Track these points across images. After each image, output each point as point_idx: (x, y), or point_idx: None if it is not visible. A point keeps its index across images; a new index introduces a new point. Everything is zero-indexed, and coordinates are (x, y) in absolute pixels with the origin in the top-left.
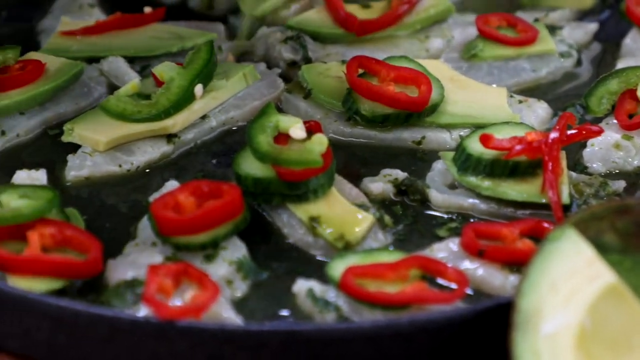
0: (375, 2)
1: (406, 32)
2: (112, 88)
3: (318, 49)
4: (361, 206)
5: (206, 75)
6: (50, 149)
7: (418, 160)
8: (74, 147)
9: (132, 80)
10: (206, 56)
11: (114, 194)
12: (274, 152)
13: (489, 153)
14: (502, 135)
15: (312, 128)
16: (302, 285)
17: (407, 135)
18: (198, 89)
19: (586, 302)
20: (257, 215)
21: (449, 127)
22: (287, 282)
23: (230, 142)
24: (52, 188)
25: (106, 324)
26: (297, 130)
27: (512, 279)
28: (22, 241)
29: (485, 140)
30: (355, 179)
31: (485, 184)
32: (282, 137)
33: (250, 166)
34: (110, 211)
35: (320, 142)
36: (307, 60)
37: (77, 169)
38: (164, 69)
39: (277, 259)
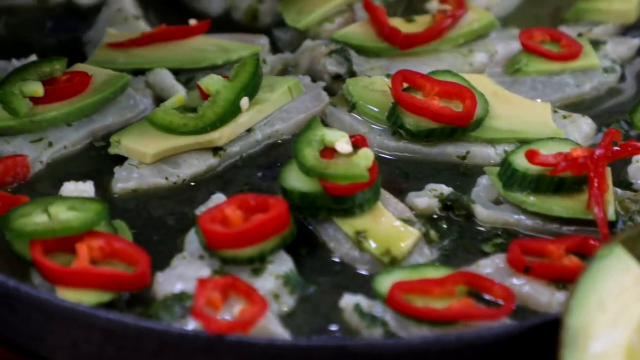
0: (419, 16)
1: (449, 46)
2: (158, 100)
3: (362, 62)
4: (407, 221)
5: (252, 88)
6: (96, 161)
7: (461, 174)
8: (121, 159)
9: (178, 93)
10: (252, 69)
11: (160, 206)
12: (321, 166)
13: (534, 169)
14: (547, 150)
15: (357, 142)
16: (349, 300)
17: (451, 150)
18: (244, 102)
19: (635, 321)
20: (303, 229)
21: (493, 141)
22: (333, 297)
23: (275, 155)
24: (100, 200)
25: (155, 337)
26: (343, 144)
27: (559, 295)
28: (71, 253)
29: (531, 156)
30: (400, 193)
31: (531, 200)
32: (328, 151)
33: (297, 180)
34: (157, 223)
35: (366, 157)
36: (352, 73)
37: (124, 181)
38: (210, 82)
39: (323, 273)
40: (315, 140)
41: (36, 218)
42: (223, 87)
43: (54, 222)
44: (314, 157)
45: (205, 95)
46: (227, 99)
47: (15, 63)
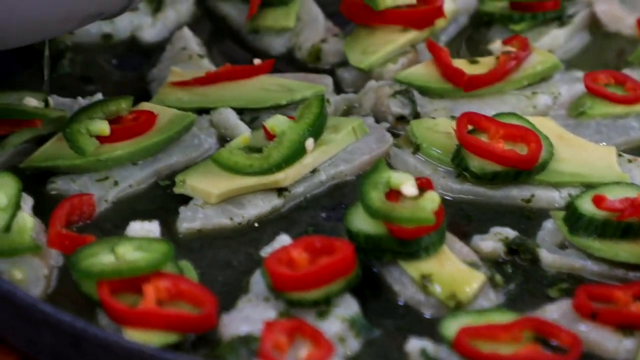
0: (482, 58)
1: (513, 88)
2: (222, 139)
3: (426, 103)
4: (472, 264)
5: (317, 129)
6: (161, 200)
7: (525, 218)
8: (185, 199)
9: (243, 133)
10: (317, 110)
11: (225, 247)
12: (386, 209)
13: (601, 214)
14: (613, 195)
15: (423, 185)
16: (415, 345)
17: (515, 193)
18: (309, 143)
19: None
20: (368, 272)
21: (557, 185)
22: (398, 340)
23: (339, 196)
24: (167, 241)
25: None
26: (409, 187)
27: (626, 342)
28: (137, 293)
29: (599, 201)
30: (464, 237)
31: (597, 245)
32: (394, 194)
33: (362, 222)
34: (222, 264)
35: (432, 200)
36: (416, 114)
37: (189, 221)
38: (275, 123)
39: (388, 317)
40: (381, 182)
41: (103, 258)
42: (288, 127)
43: (121, 262)
44: (380, 199)
45: (270, 136)
46: (293, 139)
47: (81, 101)
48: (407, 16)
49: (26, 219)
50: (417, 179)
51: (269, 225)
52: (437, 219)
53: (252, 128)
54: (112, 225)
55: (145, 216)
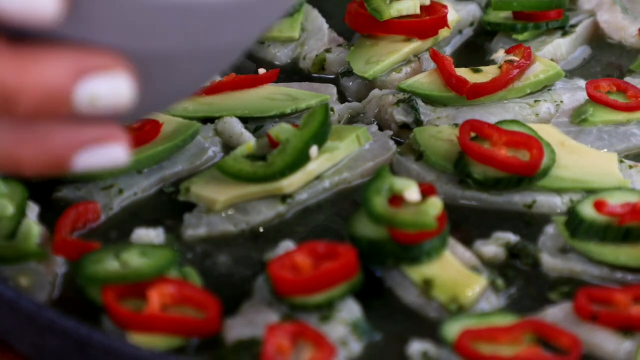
0: (485, 67)
1: (516, 96)
2: (227, 148)
3: (429, 111)
4: (474, 269)
5: (321, 136)
6: (166, 207)
7: (527, 223)
8: (190, 206)
9: (247, 141)
10: (321, 118)
11: (229, 253)
12: (389, 214)
13: (601, 219)
14: (614, 200)
15: (426, 191)
16: (416, 347)
17: (517, 199)
18: (313, 150)
19: None
20: (370, 276)
21: (559, 191)
22: (400, 344)
23: (343, 203)
24: (171, 247)
25: None
26: (412, 192)
27: (626, 344)
28: (141, 299)
29: (599, 206)
30: (465, 241)
31: (598, 249)
32: (396, 199)
33: (365, 228)
34: (226, 270)
35: (435, 205)
36: (419, 122)
37: (193, 227)
38: (279, 131)
39: (390, 320)
40: (384, 188)
41: (108, 264)
42: (293, 135)
43: (125, 268)
44: (383, 205)
45: (274, 144)
46: (297, 147)
47: None
48: (411, 26)
49: (32, 227)
50: (420, 185)
51: (273, 231)
52: (439, 224)
53: (257, 137)
54: (116, 232)
55: (150, 223)
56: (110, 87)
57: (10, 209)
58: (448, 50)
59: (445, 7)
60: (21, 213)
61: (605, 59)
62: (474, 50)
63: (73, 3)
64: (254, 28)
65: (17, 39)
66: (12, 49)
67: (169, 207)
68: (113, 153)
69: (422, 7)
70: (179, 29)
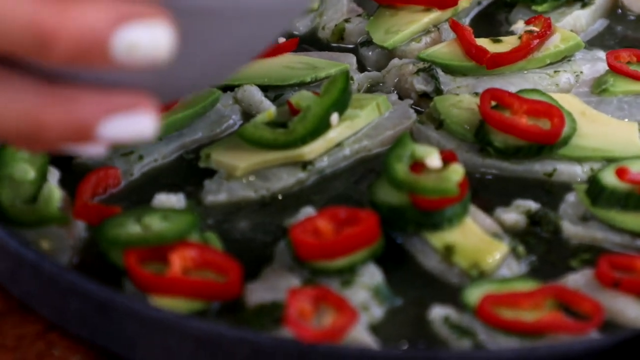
0: (505, 37)
1: (535, 66)
2: (246, 116)
3: (449, 81)
4: (495, 235)
5: (342, 104)
6: (186, 173)
7: (547, 192)
8: (210, 172)
9: (268, 109)
10: (342, 85)
11: (249, 219)
12: (411, 181)
13: (623, 186)
14: (636, 169)
15: (447, 158)
16: (438, 312)
17: (538, 168)
18: (334, 117)
19: None
20: (391, 242)
21: (580, 160)
22: (421, 309)
23: (363, 169)
24: (192, 212)
25: (248, 346)
26: (433, 159)
27: None
28: (163, 263)
29: (621, 173)
30: (486, 209)
31: (619, 217)
32: (418, 166)
33: (386, 194)
34: (247, 236)
35: (456, 172)
36: (439, 91)
37: (214, 193)
38: (300, 98)
39: (411, 286)
40: (406, 155)
41: (130, 228)
42: (313, 102)
43: (147, 232)
44: (404, 171)
45: (294, 112)
46: (317, 114)
47: None
48: None
49: (53, 190)
50: (441, 152)
51: (294, 198)
52: (461, 191)
53: (277, 105)
54: (137, 197)
55: (171, 189)
56: (150, 36)
57: (31, 173)
58: (467, 21)
59: None
60: (42, 177)
61: (624, 31)
62: (493, 21)
63: None
64: None
65: None
66: None
67: (189, 174)
68: (140, 123)
69: None
70: None
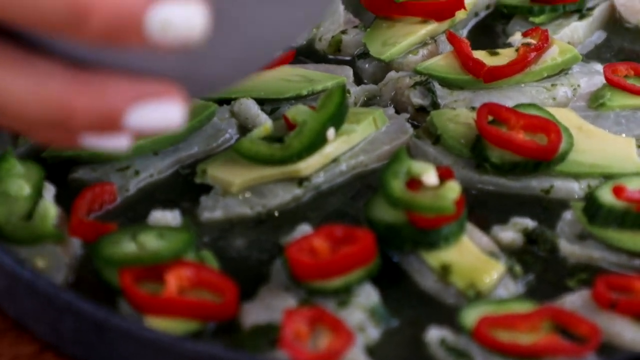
0: (502, 49)
1: (532, 79)
2: (242, 129)
3: (446, 94)
4: (492, 254)
5: (338, 118)
6: (182, 189)
7: (544, 208)
8: (206, 188)
9: (264, 123)
10: (338, 100)
11: (246, 236)
12: (407, 198)
13: (620, 204)
14: (633, 186)
15: (444, 174)
16: (434, 335)
17: (535, 184)
18: (330, 132)
19: None
20: (388, 261)
21: (577, 176)
22: (418, 330)
23: (359, 185)
24: (188, 230)
25: None
26: (430, 176)
27: None
28: (158, 282)
29: (618, 192)
30: (483, 226)
31: (616, 235)
32: (414, 183)
33: (382, 212)
34: (243, 253)
35: (453, 189)
36: (435, 105)
37: (209, 210)
38: (296, 112)
39: (408, 306)
40: (402, 172)
41: (125, 246)
42: (310, 117)
43: (142, 250)
44: (401, 188)
45: (291, 126)
46: (314, 129)
47: None
48: (428, 8)
49: (48, 207)
50: (437, 168)
51: (290, 214)
52: (457, 209)
53: (273, 118)
54: (133, 213)
55: (166, 205)
56: (184, 14)
57: (26, 189)
58: (464, 33)
59: None
60: (38, 194)
61: (620, 43)
62: (491, 32)
63: None
64: None
65: None
66: None
67: (185, 189)
68: (169, 112)
69: None
70: None
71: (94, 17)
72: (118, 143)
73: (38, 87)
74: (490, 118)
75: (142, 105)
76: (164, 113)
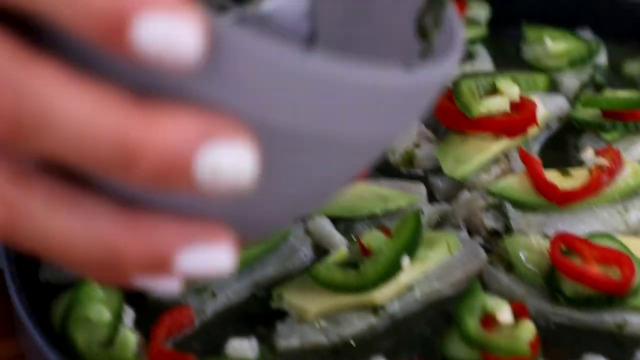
0: (574, 170)
1: (605, 202)
2: (317, 248)
3: (518, 217)
4: None
5: (413, 246)
6: (258, 313)
7: (618, 345)
8: (282, 312)
9: (338, 244)
10: (413, 227)
11: None
12: (483, 338)
13: None
14: None
15: (518, 311)
16: None
17: (608, 318)
18: (405, 260)
19: None
20: None
21: None
22: None
23: (433, 314)
24: None
25: None
26: (504, 313)
27: None
28: None
29: None
30: None
31: None
32: (488, 320)
33: (457, 348)
34: None
35: (528, 330)
36: (508, 229)
37: (286, 337)
38: (372, 239)
39: None
40: (477, 307)
41: None
42: (385, 245)
43: None
44: (476, 327)
45: (365, 251)
46: (389, 257)
47: None
48: (501, 124)
49: (128, 335)
50: (511, 303)
51: (366, 344)
52: (532, 351)
53: (347, 237)
54: (210, 339)
55: (243, 331)
56: (233, 158)
57: (106, 314)
58: (537, 147)
59: (534, 104)
60: (117, 318)
61: None
62: (563, 146)
63: (210, 55)
64: (411, 115)
65: (142, 93)
66: (137, 103)
67: (261, 313)
68: (218, 257)
69: (511, 104)
70: (318, 105)
71: (143, 160)
72: (169, 286)
73: (87, 229)
74: (563, 247)
75: (192, 249)
76: (213, 258)
